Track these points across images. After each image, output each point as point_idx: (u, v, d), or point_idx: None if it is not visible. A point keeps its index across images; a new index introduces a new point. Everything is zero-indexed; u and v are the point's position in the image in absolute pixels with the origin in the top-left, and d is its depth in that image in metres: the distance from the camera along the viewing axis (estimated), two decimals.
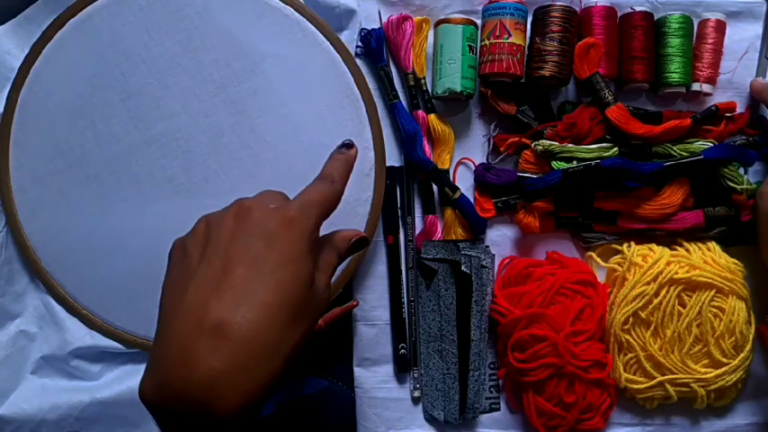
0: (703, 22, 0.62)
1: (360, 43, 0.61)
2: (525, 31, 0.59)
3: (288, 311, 0.35)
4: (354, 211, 0.58)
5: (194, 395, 0.32)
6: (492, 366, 0.62)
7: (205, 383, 0.32)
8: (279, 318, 0.34)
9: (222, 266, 0.35)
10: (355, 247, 0.45)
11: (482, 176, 0.61)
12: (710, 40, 0.61)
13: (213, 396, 0.32)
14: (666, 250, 0.59)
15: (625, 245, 0.61)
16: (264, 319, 0.34)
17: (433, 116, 0.61)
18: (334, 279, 0.56)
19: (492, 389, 0.61)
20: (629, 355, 0.59)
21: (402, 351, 0.61)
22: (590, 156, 0.59)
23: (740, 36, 0.63)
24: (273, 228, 0.36)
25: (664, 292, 0.58)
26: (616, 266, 0.60)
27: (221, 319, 0.33)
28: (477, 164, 0.62)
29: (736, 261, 0.59)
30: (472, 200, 0.61)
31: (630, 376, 0.59)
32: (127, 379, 0.58)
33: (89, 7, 0.56)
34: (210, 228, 0.37)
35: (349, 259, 0.57)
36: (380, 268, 0.62)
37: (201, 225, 0.38)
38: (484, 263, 0.60)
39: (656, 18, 0.61)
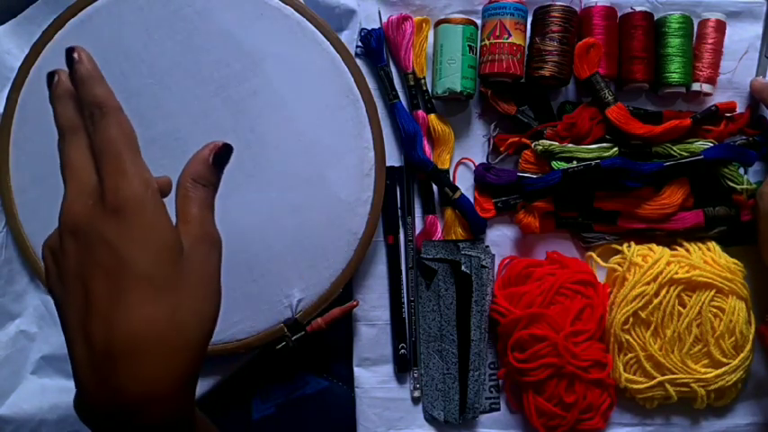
0: (703, 22, 0.62)
1: (360, 43, 0.61)
2: (525, 31, 0.59)
3: (164, 299, 0.32)
4: (354, 211, 0.58)
5: (112, 415, 0.32)
6: (492, 366, 0.61)
7: (119, 407, 0.32)
8: (158, 312, 0.32)
9: (82, 293, 0.33)
10: (221, 159, 0.39)
11: (482, 176, 0.61)
12: (710, 40, 0.61)
13: (130, 414, 0.32)
14: (666, 250, 0.59)
15: (625, 245, 0.61)
16: (144, 323, 0.32)
17: (433, 116, 0.61)
18: (333, 279, 0.57)
19: (492, 389, 0.61)
20: (629, 355, 0.59)
21: (402, 351, 0.61)
22: (590, 156, 0.59)
23: (740, 36, 0.63)
24: (102, 228, 0.33)
25: (664, 292, 0.58)
26: (616, 266, 0.60)
27: (105, 346, 0.31)
28: (477, 164, 0.62)
29: (736, 261, 0.59)
30: (472, 200, 0.61)
31: (630, 376, 0.59)
32: None
33: (89, 7, 0.56)
34: (57, 260, 0.35)
35: (349, 259, 0.57)
36: (380, 268, 0.62)
37: (48, 260, 0.36)
38: (484, 263, 0.60)
39: (656, 18, 0.61)
